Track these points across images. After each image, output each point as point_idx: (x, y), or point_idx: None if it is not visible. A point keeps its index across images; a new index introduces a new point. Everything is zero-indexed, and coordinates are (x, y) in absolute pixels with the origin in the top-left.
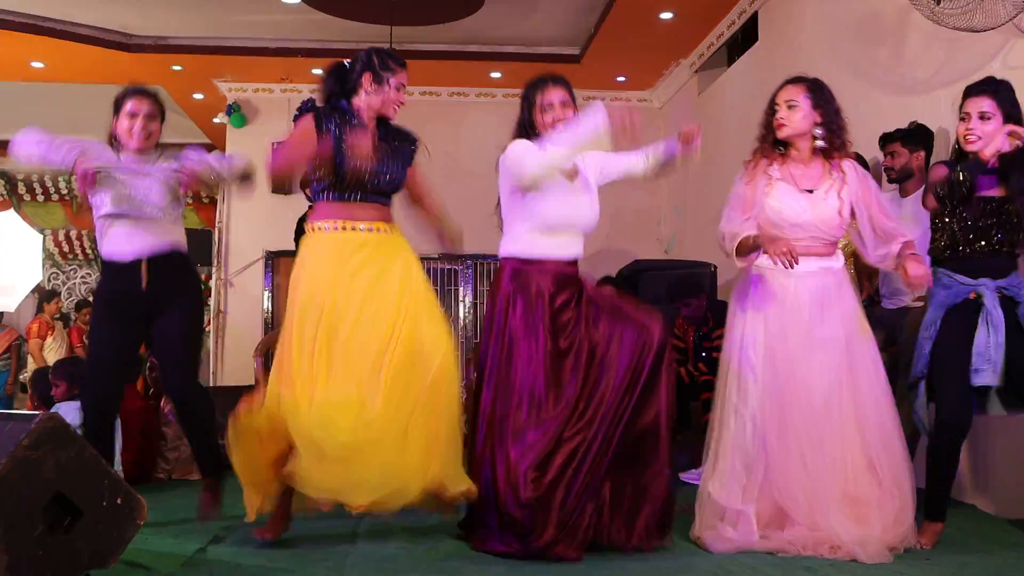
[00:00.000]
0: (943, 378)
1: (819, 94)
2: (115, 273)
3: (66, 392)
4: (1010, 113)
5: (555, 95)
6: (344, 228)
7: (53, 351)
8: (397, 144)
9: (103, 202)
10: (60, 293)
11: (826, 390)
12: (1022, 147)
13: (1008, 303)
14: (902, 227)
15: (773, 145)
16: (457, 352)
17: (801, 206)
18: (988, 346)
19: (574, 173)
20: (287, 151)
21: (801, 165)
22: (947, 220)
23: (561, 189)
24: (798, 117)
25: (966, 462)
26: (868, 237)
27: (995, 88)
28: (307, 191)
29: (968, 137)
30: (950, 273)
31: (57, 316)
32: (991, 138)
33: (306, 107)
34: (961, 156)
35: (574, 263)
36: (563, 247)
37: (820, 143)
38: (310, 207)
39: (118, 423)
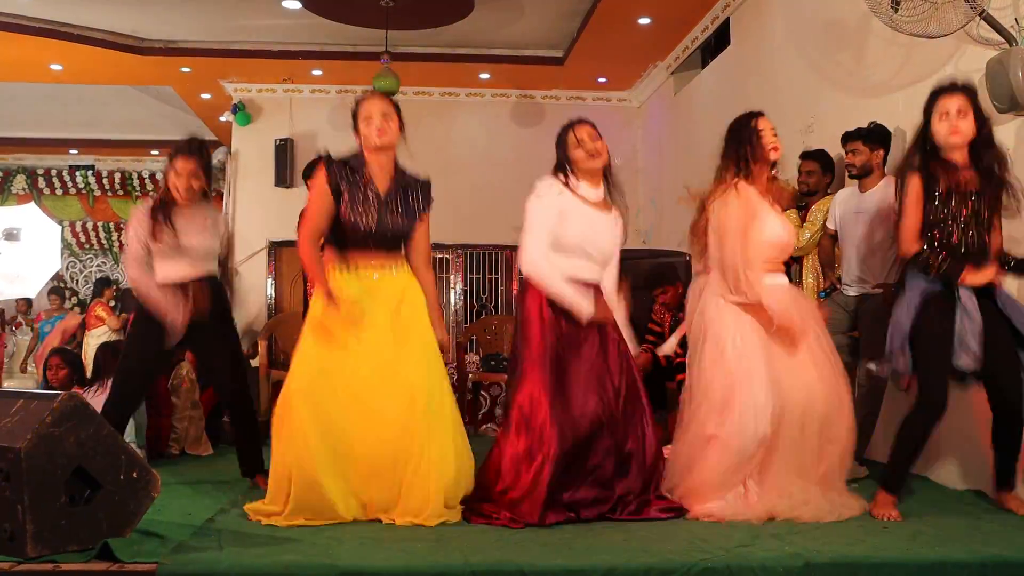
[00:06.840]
0: (928, 363)
1: None
2: None
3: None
4: (977, 110)
5: (583, 131)
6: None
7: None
8: (410, 195)
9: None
10: (118, 281)
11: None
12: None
13: (982, 296)
14: None
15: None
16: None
17: (785, 227)
18: (966, 332)
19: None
20: (310, 219)
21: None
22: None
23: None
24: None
25: None
26: None
27: (966, 87)
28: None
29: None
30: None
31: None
32: (968, 134)
33: (317, 162)
34: (929, 156)
35: None
36: None
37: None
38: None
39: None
